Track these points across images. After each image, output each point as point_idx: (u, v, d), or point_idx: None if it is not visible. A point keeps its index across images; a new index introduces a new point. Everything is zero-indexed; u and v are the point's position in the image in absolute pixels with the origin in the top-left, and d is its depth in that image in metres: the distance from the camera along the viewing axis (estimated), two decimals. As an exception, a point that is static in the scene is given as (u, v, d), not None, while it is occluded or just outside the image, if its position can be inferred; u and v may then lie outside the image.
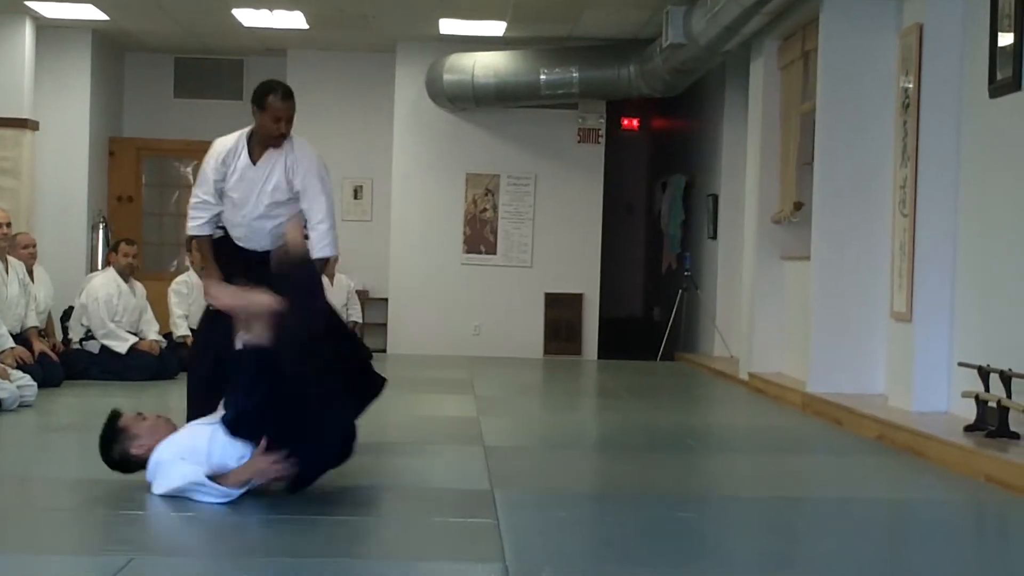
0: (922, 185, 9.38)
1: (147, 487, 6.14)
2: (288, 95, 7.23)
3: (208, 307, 7.44)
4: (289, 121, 7.22)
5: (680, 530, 5.84)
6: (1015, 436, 7.73)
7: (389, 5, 14.32)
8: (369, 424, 8.49)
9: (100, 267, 13.39)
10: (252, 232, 7.45)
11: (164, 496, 5.86)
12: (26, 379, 9.58)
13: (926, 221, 9.37)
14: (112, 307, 11.84)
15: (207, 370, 7.31)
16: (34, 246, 11.85)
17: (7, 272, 10.84)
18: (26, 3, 14.63)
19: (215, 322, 6.98)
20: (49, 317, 12.05)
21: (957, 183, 9.29)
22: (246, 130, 7.44)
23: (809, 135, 11.72)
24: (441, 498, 6.50)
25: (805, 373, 11.09)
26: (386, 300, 16.38)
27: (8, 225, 10.95)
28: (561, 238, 16.43)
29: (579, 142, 16.50)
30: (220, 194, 7.42)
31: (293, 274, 6.50)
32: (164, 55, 17.36)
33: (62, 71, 16.08)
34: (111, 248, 13.03)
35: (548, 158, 16.44)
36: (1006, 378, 7.90)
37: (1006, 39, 8.50)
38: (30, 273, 11.44)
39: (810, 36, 11.70)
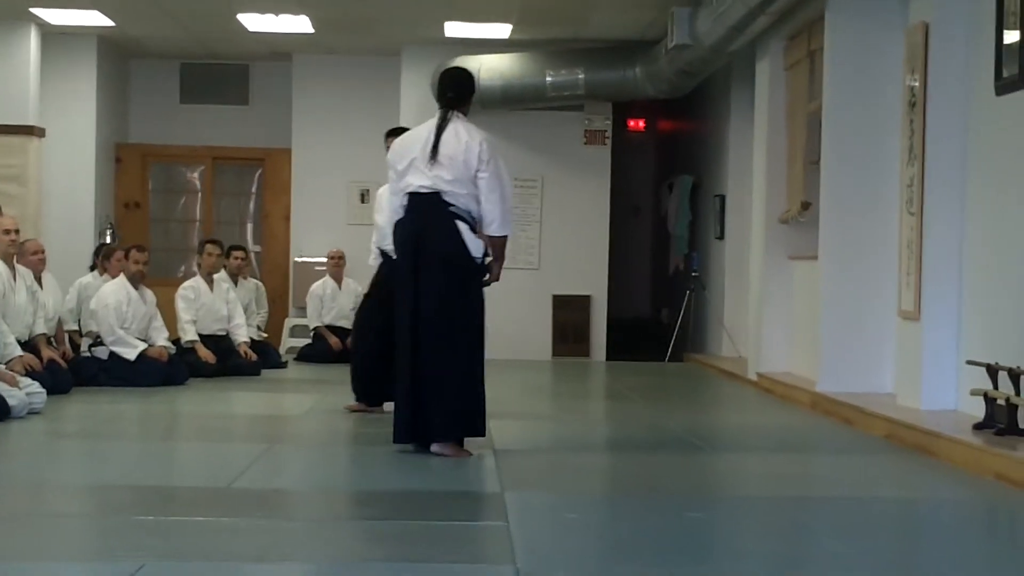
0: (929, 183, 9.38)
1: (158, 492, 6.15)
2: None
3: (367, 295, 10.03)
4: None
5: (690, 530, 5.84)
6: (1024, 434, 7.72)
7: (394, 8, 14.33)
8: (379, 428, 8.51)
9: (90, 271, 13.36)
10: None
11: None
12: (35, 386, 9.58)
13: (934, 219, 9.37)
14: (122, 314, 11.84)
15: (372, 348, 9.40)
16: (43, 252, 11.86)
17: (15, 280, 10.84)
18: (31, 10, 14.65)
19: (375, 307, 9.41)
20: (59, 324, 12.06)
21: (964, 181, 9.29)
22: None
23: (816, 135, 11.71)
24: (451, 501, 6.50)
25: (814, 372, 11.08)
26: (394, 303, 16.37)
27: (16, 232, 10.95)
28: (568, 240, 16.42)
29: (585, 144, 16.49)
30: None
31: None
32: (170, 61, 17.38)
33: (68, 78, 16.11)
34: (104, 255, 13.03)
35: (555, 160, 16.43)
36: (1015, 376, 7.89)
37: (1012, 36, 8.49)
38: (38, 280, 11.44)
39: (816, 36, 11.70)
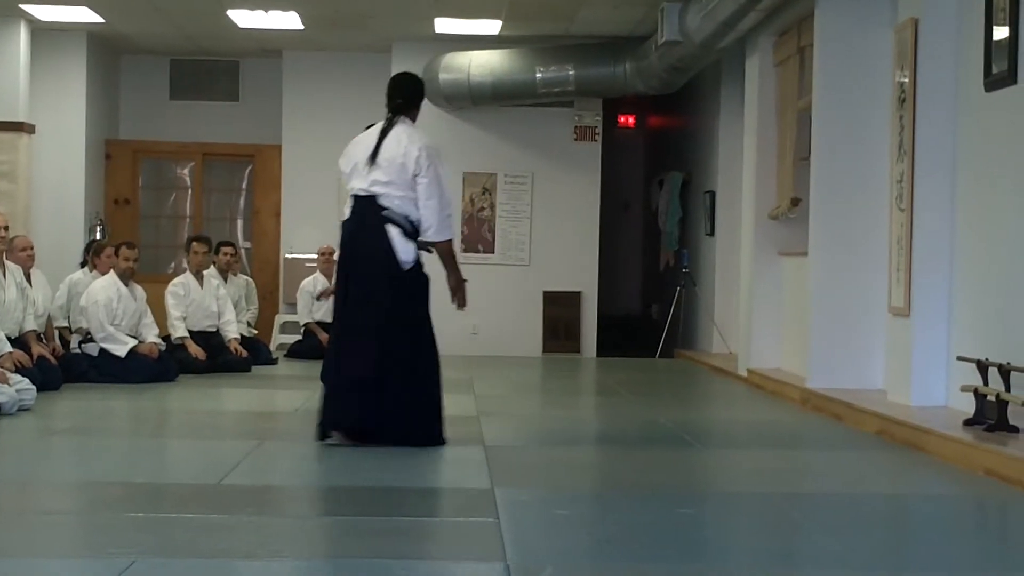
0: (919, 180, 9.39)
1: (149, 489, 6.15)
2: None
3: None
4: None
5: (680, 526, 5.85)
6: (1014, 430, 7.73)
7: (384, 5, 14.33)
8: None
9: (81, 268, 13.33)
10: None
11: None
12: (25, 383, 9.57)
13: (923, 215, 9.38)
14: (112, 311, 11.83)
15: None
16: (32, 249, 11.85)
17: (4, 276, 10.82)
18: (21, 6, 14.63)
19: None
20: (48, 320, 12.05)
21: (954, 177, 9.30)
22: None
23: (805, 131, 11.72)
24: (442, 497, 6.51)
25: (804, 369, 11.10)
26: (384, 300, 16.36)
27: (6, 228, 10.94)
28: (559, 236, 16.43)
29: (576, 140, 16.49)
30: None
31: None
32: (160, 57, 17.36)
33: (58, 74, 16.08)
34: (95, 252, 13.02)
35: (545, 156, 16.44)
36: (1005, 372, 7.90)
37: (1001, 33, 8.50)
38: (27, 277, 11.42)
39: (805, 32, 11.71)
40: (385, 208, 7.70)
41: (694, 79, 15.44)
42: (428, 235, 7.80)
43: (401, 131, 7.83)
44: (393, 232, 7.69)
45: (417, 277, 7.81)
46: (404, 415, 7.75)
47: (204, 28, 15.66)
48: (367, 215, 7.74)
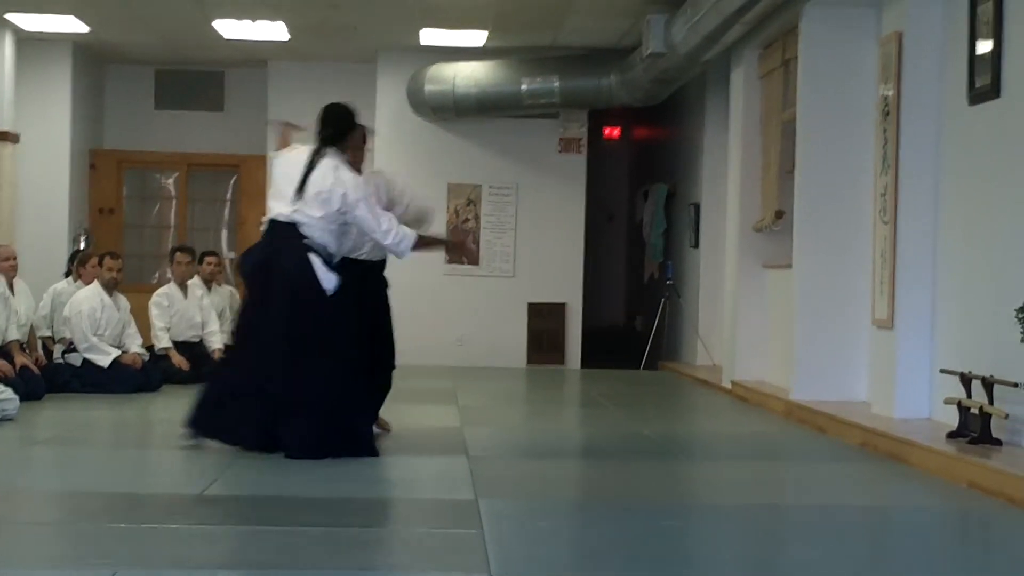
0: (903, 192, 9.41)
1: (130, 499, 6.13)
2: None
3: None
4: None
5: (664, 538, 5.85)
6: (997, 442, 7.75)
7: (370, 15, 14.32)
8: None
9: (65, 278, 13.28)
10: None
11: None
12: (8, 392, 9.54)
13: (907, 228, 9.40)
14: (95, 321, 11.80)
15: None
16: (15, 259, 11.81)
17: (-13, 286, 10.80)
18: (6, 16, 14.60)
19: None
20: (31, 330, 12.01)
21: (937, 190, 9.33)
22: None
23: (790, 143, 11.74)
24: (425, 508, 6.50)
25: (788, 381, 11.10)
26: (369, 311, 16.34)
27: (-11, 238, 10.92)
28: (543, 248, 16.43)
29: (561, 151, 16.49)
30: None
31: None
32: (145, 67, 17.34)
33: (43, 83, 16.05)
34: (79, 262, 12.97)
35: (530, 167, 16.44)
36: (988, 384, 7.92)
37: (985, 46, 8.53)
38: (10, 286, 11.39)
39: (790, 44, 11.73)
40: (305, 237, 7.76)
41: (679, 91, 15.46)
42: (398, 257, 8.13)
43: (328, 166, 7.87)
44: (316, 260, 7.75)
45: (337, 302, 7.80)
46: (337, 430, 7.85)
47: (189, 38, 15.64)
48: (287, 240, 7.78)
